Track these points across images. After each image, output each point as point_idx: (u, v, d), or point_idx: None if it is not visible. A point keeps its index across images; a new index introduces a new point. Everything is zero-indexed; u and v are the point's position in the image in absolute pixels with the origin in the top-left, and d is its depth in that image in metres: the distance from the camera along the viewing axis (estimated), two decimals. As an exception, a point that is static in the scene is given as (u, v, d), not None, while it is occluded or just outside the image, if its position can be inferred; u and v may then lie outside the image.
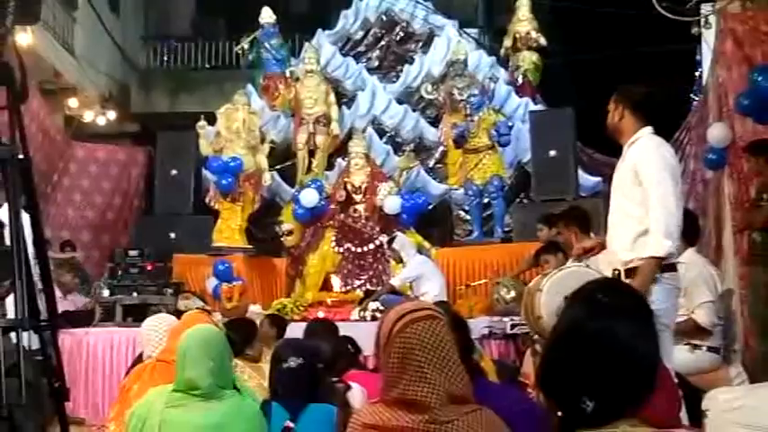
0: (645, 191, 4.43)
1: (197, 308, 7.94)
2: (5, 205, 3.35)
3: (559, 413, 1.93)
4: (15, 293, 3.27)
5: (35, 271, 3.47)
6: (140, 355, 5.46)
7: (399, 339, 2.50)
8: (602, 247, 5.03)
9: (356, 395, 4.23)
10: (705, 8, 9.21)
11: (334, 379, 4.33)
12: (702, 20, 9.04)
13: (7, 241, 3.26)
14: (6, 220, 3.28)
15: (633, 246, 4.44)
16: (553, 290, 4.62)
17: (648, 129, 4.59)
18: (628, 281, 4.22)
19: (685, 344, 5.79)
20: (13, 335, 3.23)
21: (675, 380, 4.26)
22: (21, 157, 3.34)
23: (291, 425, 3.71)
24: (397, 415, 2.48)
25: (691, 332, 5.85)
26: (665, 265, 4.37)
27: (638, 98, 4.65)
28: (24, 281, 3.26)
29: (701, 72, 11.47)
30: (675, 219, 4.39)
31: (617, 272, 4.45)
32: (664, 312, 4.15)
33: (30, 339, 3.36)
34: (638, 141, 4.57)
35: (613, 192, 4.71)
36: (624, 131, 4.65)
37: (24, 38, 10.00)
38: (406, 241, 10.12)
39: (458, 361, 2.56)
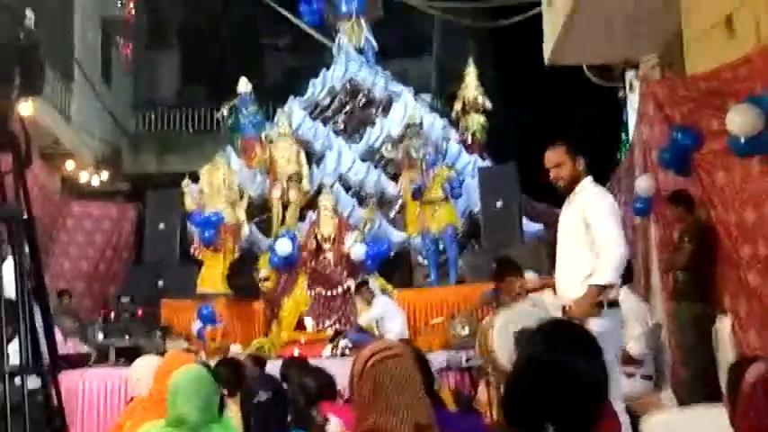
0: (592, 232, 4.40)
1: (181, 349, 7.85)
2: (10, 258, 3.29)
3: None
4: (20, 340, 3.21)
5: (37, 318, 3.41)
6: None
7: (371, 375, 2.49)
8: (545, 286, 5.03)
9: (333, 427, 4.16)
10: (629, 75, 9.42)
11: (314, 412, 4.26)
12: (627, 85, 9.24)
13: (8, 293, 3.19)
14: (11, 274, 3.22)
15: (583, 285, 4.39)
16: (504, 327, 4.62)
17: (590, 177, 4.59)
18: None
19: (621, 372, 5.79)
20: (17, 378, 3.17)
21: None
22: (25, 217, 3.30)
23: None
24: (369, 444, 2.46)
25: (625, 361, 5.85)
26: (609, 302, 4.36)
27: (578, 152, 4.61)
28: (28, 328, 3.21)
29: (627, 130, 11.67)
30: (622, 255, 4.37)
31: (569, 308, 4.39)
32: (610, 343, 4.08)
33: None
34: (585, 190, 4.54)
35: (561, 237, 4.65)
36: (578, 181, 4.59)
37: (26, 107, 9.91)
38: (373, 285, 10.13)
39: (423, 394, 2.55)
